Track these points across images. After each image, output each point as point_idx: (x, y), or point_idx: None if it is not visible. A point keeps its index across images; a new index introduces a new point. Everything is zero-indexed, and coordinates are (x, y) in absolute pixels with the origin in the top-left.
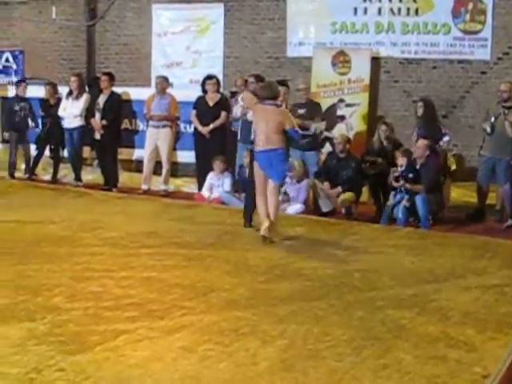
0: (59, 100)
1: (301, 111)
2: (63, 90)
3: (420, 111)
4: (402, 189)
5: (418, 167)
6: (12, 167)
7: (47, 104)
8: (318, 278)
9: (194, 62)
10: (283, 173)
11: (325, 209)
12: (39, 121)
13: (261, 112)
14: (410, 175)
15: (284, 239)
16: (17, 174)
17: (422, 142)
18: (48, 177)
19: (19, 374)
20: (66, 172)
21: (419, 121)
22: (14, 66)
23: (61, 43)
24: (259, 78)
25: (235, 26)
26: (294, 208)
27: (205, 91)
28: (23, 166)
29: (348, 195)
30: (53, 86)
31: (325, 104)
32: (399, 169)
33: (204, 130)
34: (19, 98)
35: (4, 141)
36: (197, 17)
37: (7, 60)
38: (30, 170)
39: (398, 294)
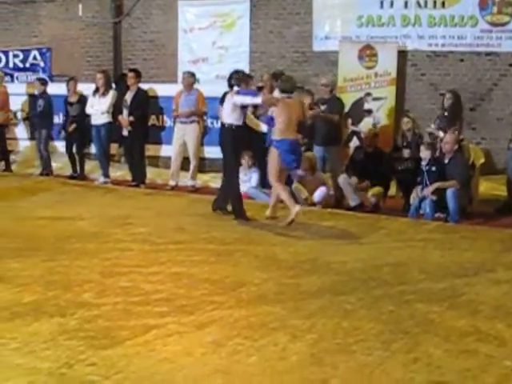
0: (82, 97)
1: (323, 107)
2: (90, 88)
3: (448, 103)
4: (427, 182)
5: (446, 161)
6: (43, 164)
7: (67, 101)
8: (346, 272)
9: (220, 57)
10: (300, 161)
11: (352, 203)
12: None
13: (286, 104)
14: (433, 168)
15: (312, 233)
16: (31, 170)
17: (451, 137)
18: (68, 173)
19: (51, 368)
20: (94, 169)
21: (442, 112)
22: (42, 64)
23: (87, 40)
24: (275, 75)
25: (261, 21)
26: (319, 193)
27: (231, 86)
28: (38, 163)
29: (377, 189)
30: (73, 83)
31: (351, 98)
32: (423, 162)
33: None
34: (38, 96)
35: (33, 138)
36: (223, 12)
37: (35, 58)
38: (75, 169)
39: (428, 288)
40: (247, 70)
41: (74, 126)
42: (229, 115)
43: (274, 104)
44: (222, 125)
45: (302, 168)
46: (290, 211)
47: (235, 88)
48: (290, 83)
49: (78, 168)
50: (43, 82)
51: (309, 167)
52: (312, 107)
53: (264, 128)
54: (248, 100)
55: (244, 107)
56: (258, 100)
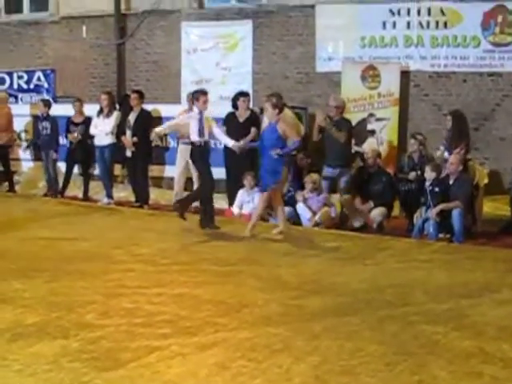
0: (87, 119)
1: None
2: (94, 108)
3: (449, 124)
4: (431, 203)
5: (451, 182)
6: (50, 186)
7: (70, 122)
8: (350, 293)
9: (224, 78)
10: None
11: (356, 224)
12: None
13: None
14: (437, 189)
15: (315, 254)
16: (35, 191)
17: (456, 158)
18: (80, 194)
19: None
20: (97, 189)
21: (448, 134)
22: (46, 85)
23: (91, 61)
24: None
25: (264, 42)
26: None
27: (235, 107)
28: (42, 184)
29: (380, 210)
30: (79, 104)
31: (355, 119)
32: (427, 183)
33: (237, 145)
34: (42, 118)
35: (38, 159)
36: (225, 33)
37: (39, 79)
38: (60, 189)
39: (432, 309)
40: (250, 91)
41: (78, 137)
42: (194, 132)
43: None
44: (192, 143)
45: (308, 189)
46: (248, 228)
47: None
48: (281, 101)
49: (82, 188)
50: (47, 104)
51: (313, 188)
52: (325, 118)
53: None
54: (223, 139)
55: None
56: (228, 143)
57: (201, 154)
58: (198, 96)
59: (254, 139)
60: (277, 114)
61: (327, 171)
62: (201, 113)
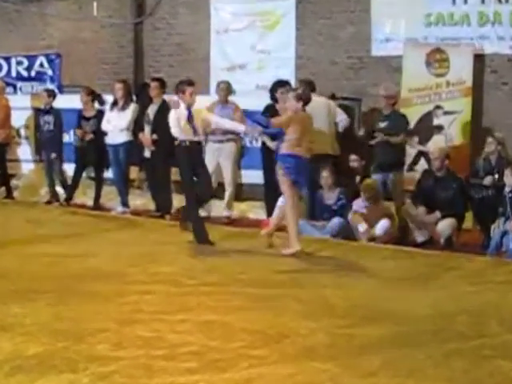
0: (100, 112)
1: (382, 124)
2: (106, 100)
3: None
4: (511, 213)
5: None
6: (53, 191)
7: (80, 116)
8: (411, 321)
9: (261, 63)
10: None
11: (420, 238)
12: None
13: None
14: None
15: (370, 274)
16: (37, 198)
17: None
18: (90, 202)
19: None
20: (110, 196)
21: None
22: (50, 72)
23: (103, 44)
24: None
25: (309, 21)
26: (382, 225)
27: (275, 99)
28: (44, 190)
29: (449, 222)
30: (87, 93)
31: (418, 112)
32: (506, 189)
33: (274, 145)
34: (44, 110)
35: (40, 160)
36: (263, 10)
37: (41, 65)
38: (67, 195)
39: (509, 340)
40: (292, 79)
41: (90, 136)
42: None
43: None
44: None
45: (364, 197)
46: (291, 245)
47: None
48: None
49: (93, 195)
50: (51, 94)
51: (370, 196)
52: (374, 136)
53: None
54: (228, 125)
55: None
56: (237, 128)
57: (187, 155)
58: (184, 88)
59: None
60: (301, 108)
61: (377, 176)
62: (189, 108)
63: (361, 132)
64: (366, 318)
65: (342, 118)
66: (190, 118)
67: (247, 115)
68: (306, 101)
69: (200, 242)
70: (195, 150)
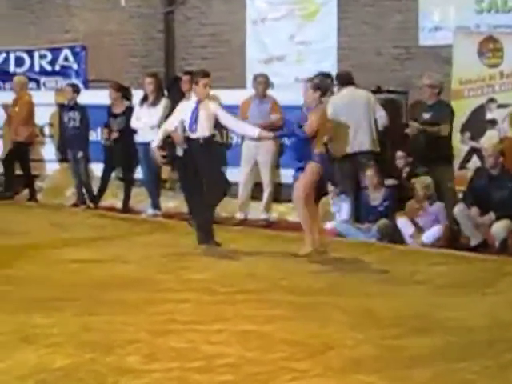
0: (129, 109)
1: (426, 115)
2: (136, 95)
3: None
4: None
5: None
6: (80, 193)
7: (109, 113)
8: (465, 331)
9: (300, 55)
10: None
11: (473, 241)
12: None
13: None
14: None
15: (419, 281)
16: (62, 201)
17: None
18: (119, 204)
19: None
20: (140, 198)
21: None
22: (75, 66)
23: (132, 36)
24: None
25: (352, 9)
26: (432, 233)
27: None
28: (70, 192)
29: (504, 224)
30: (117, 89)
31: (470, 105)
32: None
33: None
34: (69, 107)
35: (65, 160)
36: None
37: (66, 59)
38: (95, 197)
39: None
40: (334, 71)
41: (115, 135)
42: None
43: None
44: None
45: (418, 198)
46: (305, 244)
47: None
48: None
49: (122, 197)
50: (75, 89)
51: (423, 196)
52: (409, 124)
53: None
54: (242, 130)
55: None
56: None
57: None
58: (198, 78)
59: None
60: (318, 98)
61: (424, 171)
62: (198, 101)
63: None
64: (415, 328)
65: (380, 115)
66: (195, 112)
67: (285, 117)
68: (324, 91)
69: (201, 242)
70: (194, 148)
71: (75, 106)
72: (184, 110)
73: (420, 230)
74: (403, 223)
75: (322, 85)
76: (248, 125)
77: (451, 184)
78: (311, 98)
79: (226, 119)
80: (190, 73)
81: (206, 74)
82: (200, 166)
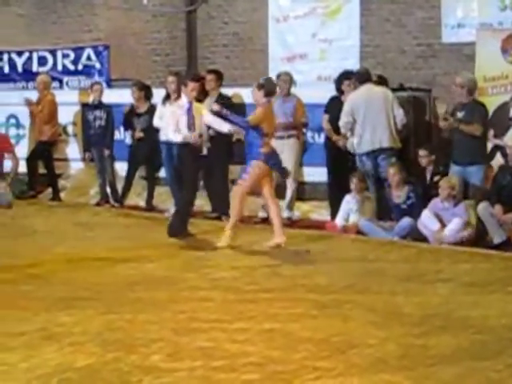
0: (152, 108)
1: (460, 114)
2: (158, 94)
3: None
4: None
5: None
6: (104, 192)
7: (132, 112)
8: (490, 329)
9: (323, 53)
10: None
11: (497, 239)
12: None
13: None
14: None
15: (443, 279)
16: (86, 200)
17: None
18: (143, 203)
19: None
20: (164, 197)
21: None
22: (98, 65)
23: (154, 35)
24: None
25: (374, 6)
26: (453, 225)
27: (340, 91)
28: (94, 191)
29: None
30: (140, 88)
31: (493, 103)
32: None
33: (339, 139)
34: (94, 105)
35: (90, 159)
36: None
37: (89, 58)
38: (119, 196)
39: None
40: (357, 69)
41: (140, 135)
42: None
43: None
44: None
45: (442, 197)
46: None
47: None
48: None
49: (146, 196)
50: (100, 88)
51: (448, 195)
52: (446, 118)
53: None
54: (218, 126)
55: None
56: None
57: (190, 153)
58: (186, 81)
59: None
60: (263, 96)
61: (455, 170)
62: (190, 102)
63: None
64: (440, 326)
65: (398, 113)
66: (189, 112)
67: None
68: (268, 91)
69: (172, 234)
70: (178, 149)
71: (100, 105)
72: (174, 111)
73: (443, 225)
74: (428, 218)
75: (267, 85)
76: (223, 122)
77: (482, 184)
78: (257, 97)
79: (207, 116)
80: (214, 71)
81: (195, 79)
82: (181, 167)
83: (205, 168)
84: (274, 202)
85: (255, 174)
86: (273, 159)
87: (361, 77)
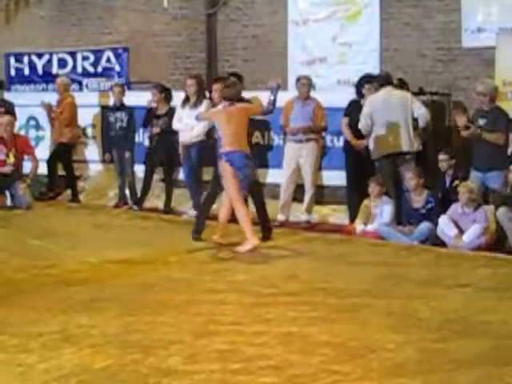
0: (171, 110)
1: (481, 121)
2: (177, 96)
3: None
4: None
5: None
6: (123, 194)
7: (152, 114)
8: (509, 334)
9: (342, 56)
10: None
11: None
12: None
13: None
14: None
15: (463, 284)
16: (104, 201)
17: None
18: (160, 205)
19: None
20: (182, 199)
21: None
22: (117, 68)
23: (174, 37)
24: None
25: (394, 10)
26: (472, 231)
27: (361, 94)
28: (112, 193)
29: None
30: (160, 91)
31: None
32: None
33: (359, 144)
34: (115, 107)
35: (109, 160)
36: None
37: (108, 60)
38: (137, 199)
39: None
40: (376, 72)
41: (157, 130)
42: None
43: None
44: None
45: (462, 201)
46: (248, 240)
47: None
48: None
49: (164, 198)
50: (122, 90)
51: (467, 200)
52: (468, 126)
53: None
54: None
55: None
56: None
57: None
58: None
59: None
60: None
61: (475, 176)
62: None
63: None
64: (459, 331)
65: (420, 113)
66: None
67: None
68: (229, 97)
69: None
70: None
71: (122, 107)
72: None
73: (462, 233)
74: (445, 224)
75: (224, 90)
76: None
77: (502, 190)
78: (215, 96)
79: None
80: (234, 74)
81: (215, 80)
82: None
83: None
84: (226, 205)
85: (225, 173)
86: (234, 160)
87: (381, 80)
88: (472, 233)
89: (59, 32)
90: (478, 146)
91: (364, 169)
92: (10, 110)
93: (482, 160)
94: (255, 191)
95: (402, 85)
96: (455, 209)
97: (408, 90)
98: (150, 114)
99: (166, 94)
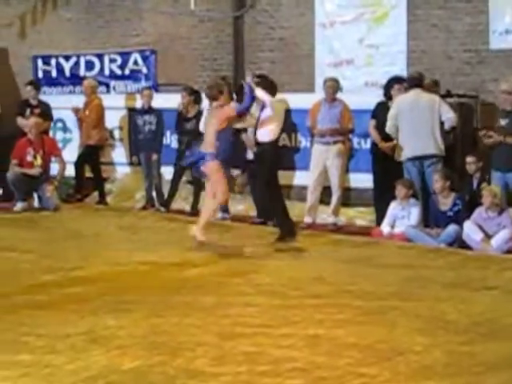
0: (199, 113)
1: (503, 122)
2: (205, 99)
3: None
4: None
5: None
6: (150, 197)
7: (181, 117)
8: None
9: (370, 58)
10: None
11: None
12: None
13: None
14: None
15: (490, 286)
16: (132, 204)
17: None
18: (188, 207)
19: None
20: None
21: None
22: (144, 70)
23: (201, 40)
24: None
25: (422, 12)
26: (501, 236)
27: (388, 96)
28: (139, 195)
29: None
30: (190, 93)
31: None
32: None
33: (386, 146)
34: (143, 110)
35: (137, 163)
36: (372, 1)
37: (136, 62)
38: (164, 200)
39: None
40: (404, 74)
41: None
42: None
43: None
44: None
45: (486, 205)
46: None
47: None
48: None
49: (191, 200)
50: (150, 93)
51: (491, 204)
52: (490, 135)
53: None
54: None
55: None
56: None
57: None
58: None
59: None
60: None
61: (495, 176)
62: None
63: (481, 133)
64: (487, 334)
65: (449, 117)
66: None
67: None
68: (213, 97)
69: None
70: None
71: (150, 110)
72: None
73: (488, 236)
74: (470, 229)
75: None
76: None
77: None
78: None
79: None
80: (259, 76)
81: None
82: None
83: (251, 173)
84: (209, 201)
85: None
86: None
87: (411, 81)
88: (501, 238)
89: (86, 34)
90: (498, 146)
91: (391, 171)
92: (46, 111)
93: (503, 161)
94: (274, 195)
95: (435, 86)
96: (479, 213)
97: (438, 92)
98: (180, 117)
99: (195, 96)
